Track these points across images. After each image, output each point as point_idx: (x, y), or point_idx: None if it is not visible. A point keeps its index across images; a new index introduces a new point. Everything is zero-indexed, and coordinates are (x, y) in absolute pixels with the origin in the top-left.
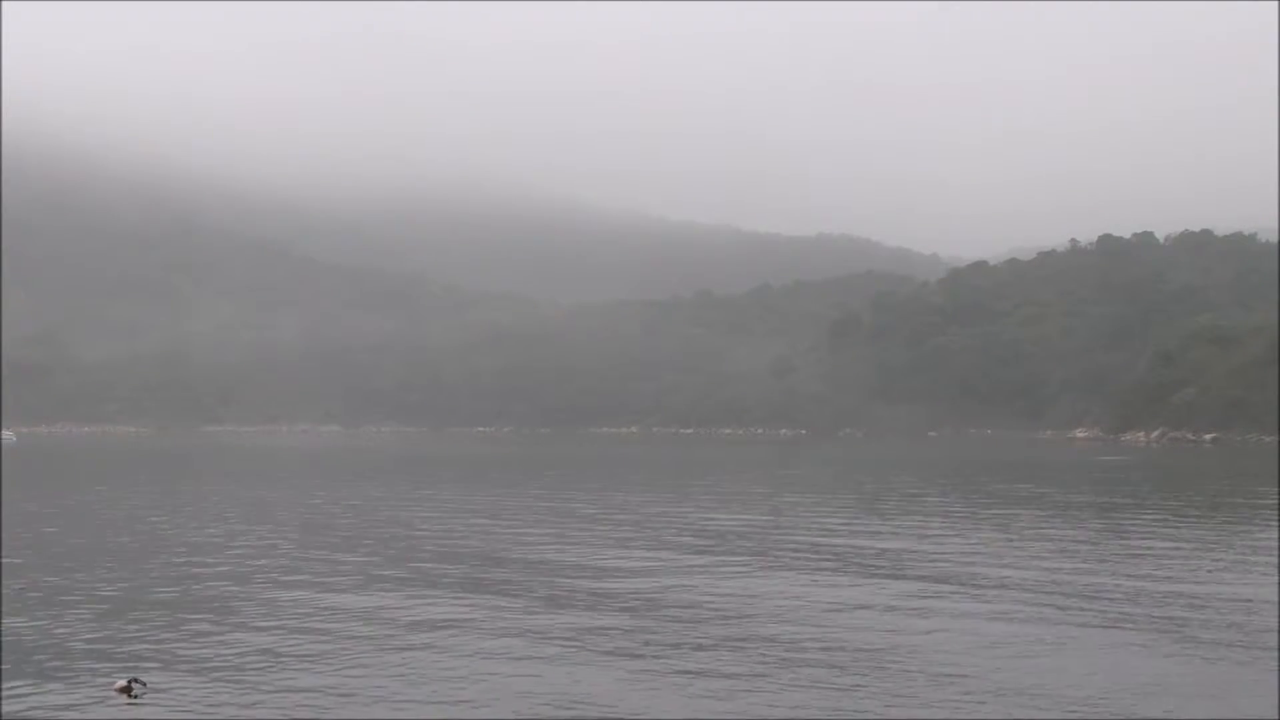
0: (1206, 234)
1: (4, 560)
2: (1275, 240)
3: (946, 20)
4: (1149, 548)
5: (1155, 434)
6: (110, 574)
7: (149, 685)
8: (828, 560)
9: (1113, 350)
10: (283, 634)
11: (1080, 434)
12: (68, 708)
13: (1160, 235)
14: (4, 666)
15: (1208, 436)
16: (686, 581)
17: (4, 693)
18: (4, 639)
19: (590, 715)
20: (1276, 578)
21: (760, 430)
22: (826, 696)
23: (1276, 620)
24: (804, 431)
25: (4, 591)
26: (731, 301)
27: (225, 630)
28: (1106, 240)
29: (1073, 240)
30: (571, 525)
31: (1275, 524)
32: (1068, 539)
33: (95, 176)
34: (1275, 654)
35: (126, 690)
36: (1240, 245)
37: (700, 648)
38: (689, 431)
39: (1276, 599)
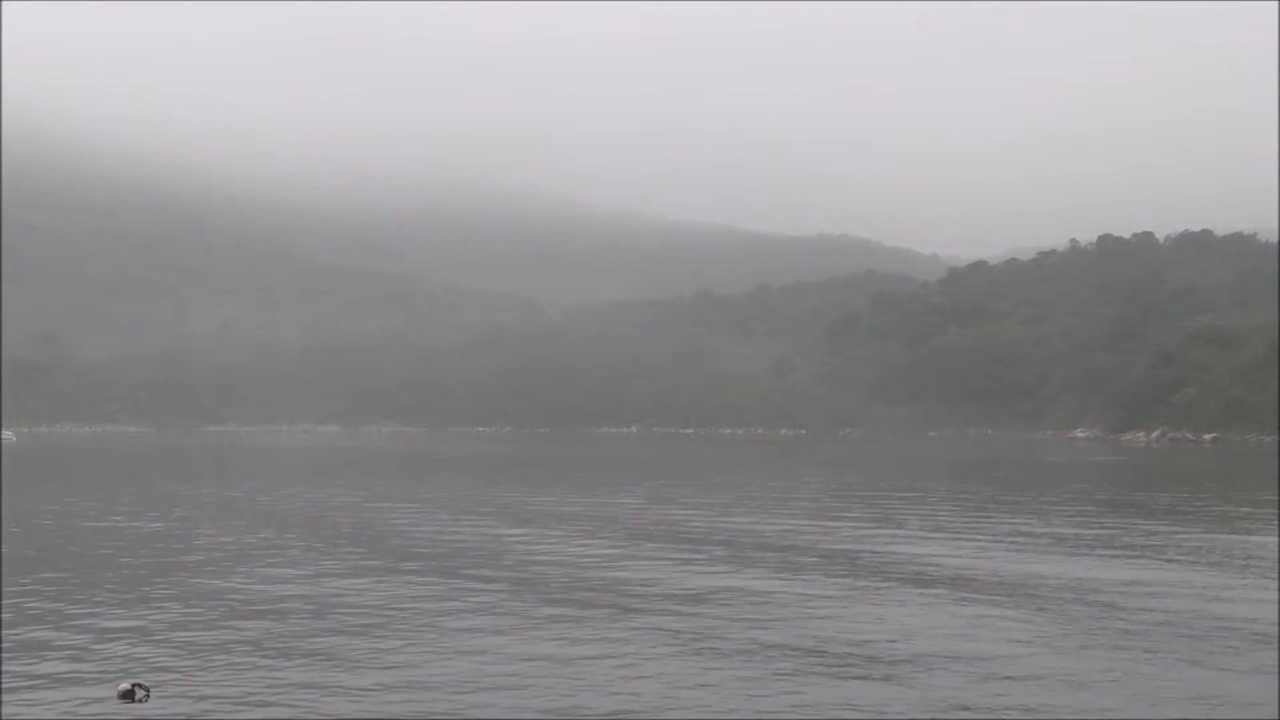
0: (1206, 234)
1: (4, 560)
2: (1275, 240)
3: (947, 22)
4: (1148, 548)
5: (1155, 434)
6: (112, 574)
7: (150, 692)
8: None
9: (1113, 350)
10: (287, 630)
11: (1080, 434)
12: (70, 711)
13: (1160, 235)
14: (5, 668)
15: (1208, 436)
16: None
17: (5, 695)
18: (4, 640)
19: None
20: (1277, 578)
21: (760, 430)
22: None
23: (1277, 620)
24: (804, 431)
25: (4, 592)
26: (731, 301)
27: (228, 631)
28: (1106, 240)
29: (1073, 240)
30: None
31: (1275, 524)
32: (1067, 538)
33: (95, 176)
34: (1276, 655)
35: (129, 695)
36: (1240, 245)
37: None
38: (689, 431)
39: (1277, 599)
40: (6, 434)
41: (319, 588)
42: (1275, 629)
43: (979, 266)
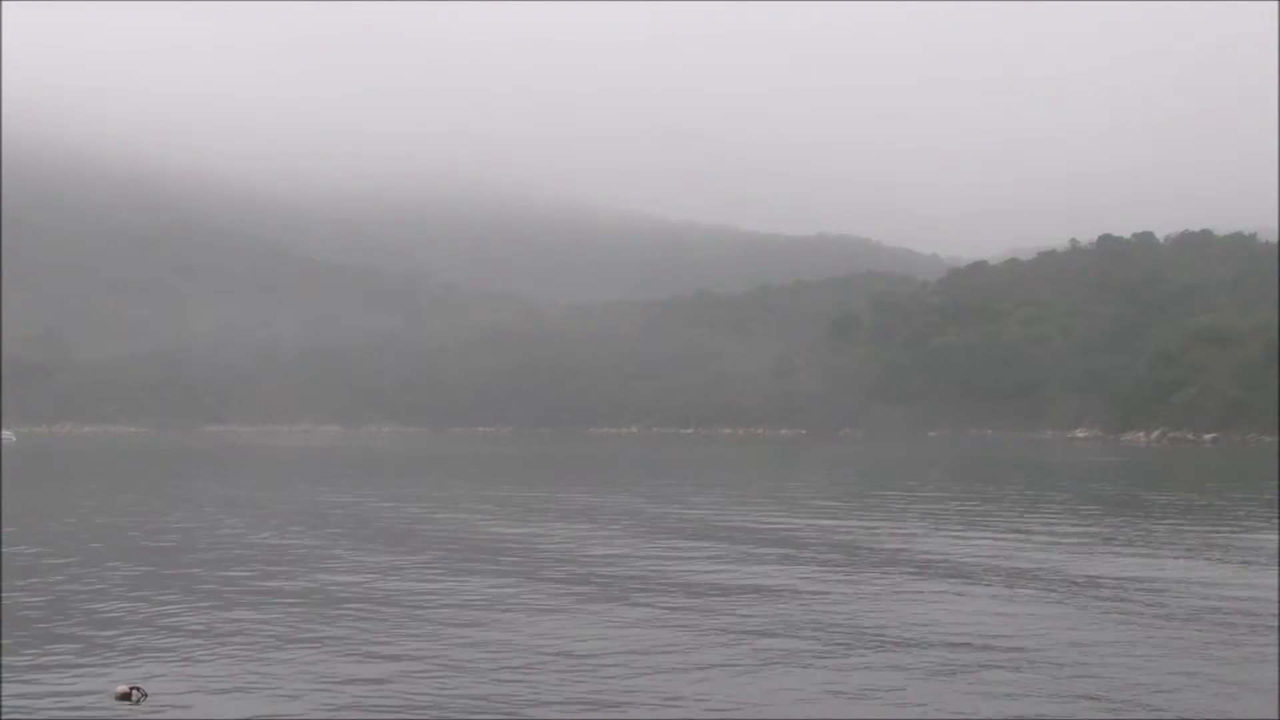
0: (1206, 234)
1: (3, 560)
2: (1275, 240)
3: (947, 22)
4: (1149, 544)
5: (1155, 434)
6: (112, 575)
7: (149, 695)
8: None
9: (1113, 350)
10: (291, 624)
11: (1080, 434)
12: (68, 712)
13: (1160, 235)
14: (4, 669)
15: (1208, 436)
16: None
17: (4, 696)
18: (3, 640)
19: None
20: (1276, 577)
21: (760, 430)
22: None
23: (1277, 620)
24: (804, 431)
25: (3, 591)
26: (731, 301)
27: (229, 631)
28: (1106, 240)
29: (1073, 240)
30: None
31: (1275, 524)
32: (1071, 535)
33: (96, 176)
34: (1275, 653)
35: (127, 697)
36: (1240, 245)
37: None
38: (689, 431)
39: (1277, 598)
40: (6, 434)
41: (324, 583)
42: (1275, 621)
43: (979, 266)
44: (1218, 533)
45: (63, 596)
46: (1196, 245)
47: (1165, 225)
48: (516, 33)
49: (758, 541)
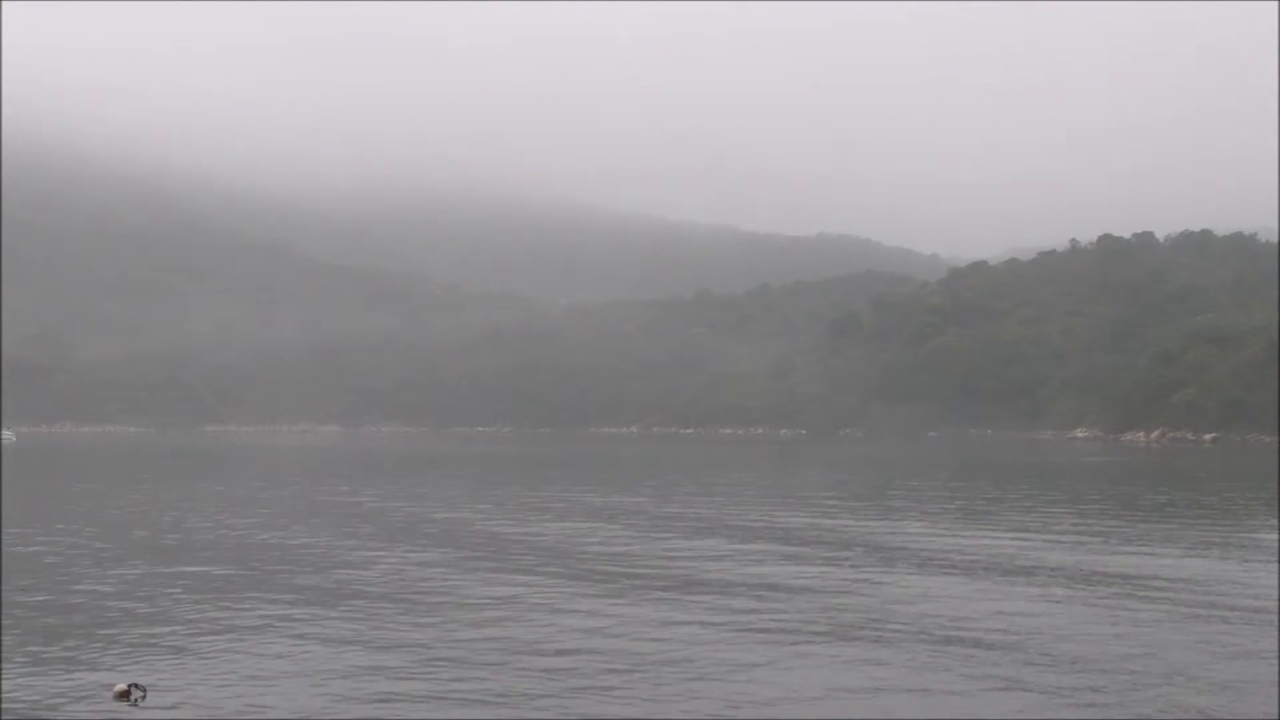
0: (1206, 234)
1: (4, 559)
2: (1275, 240)
3: (947, 22)
4: (1151, 542)
5: (1155, 434)
6: (113, 573)
7: (148, 693)
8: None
9: (1113, 350)
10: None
11: (1080, 434)
12: (67, 711)
13: (1160, 235)
14: (4, 669)
15: (1208, 436)
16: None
17: (4, 692)
18: (4, 640)
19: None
20: (1276, 576)
21: (760, 430)
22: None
23: (1276, 618)
24: (803, 431)
25: (4, 590)
26: (731, 301)
27: (227, 628)
28: (1106, 240)
29: (1073, 240)
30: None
31: (1275, 523)
32: (1068, 534)
33: (95, 176)
34: (1275, 651)
35: (125, 695)
36: (1240, 245)
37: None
38: (689, 431)
39: (1276, 596)
40: (6, 434)
41: (323, 581)
42: (1275, 619)
43: (979, 266)
44: (1217, 531)
45: (63, 596)
46: (1196, 245)
47: (1165, 225)
48: (516, 33)
49: (758, 539)
